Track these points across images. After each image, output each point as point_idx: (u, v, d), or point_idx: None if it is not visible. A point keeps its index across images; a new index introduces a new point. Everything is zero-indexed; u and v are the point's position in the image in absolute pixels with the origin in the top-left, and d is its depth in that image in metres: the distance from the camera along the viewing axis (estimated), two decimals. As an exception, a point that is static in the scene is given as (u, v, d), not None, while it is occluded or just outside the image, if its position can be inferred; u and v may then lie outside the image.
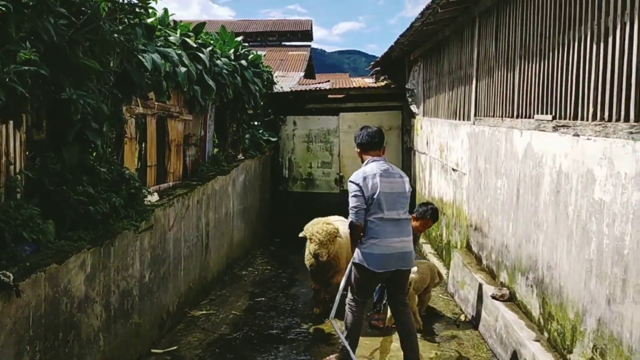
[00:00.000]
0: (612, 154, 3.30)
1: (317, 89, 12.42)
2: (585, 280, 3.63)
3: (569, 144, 3.90)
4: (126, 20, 4.83)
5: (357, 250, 4.58)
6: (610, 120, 3.42)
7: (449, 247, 7.71)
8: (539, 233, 4.47)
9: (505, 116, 5.45)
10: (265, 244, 10.61)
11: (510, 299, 5.09)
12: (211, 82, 6.58)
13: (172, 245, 5.62)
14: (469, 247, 6.72)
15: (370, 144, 4.71)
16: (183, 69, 5.98)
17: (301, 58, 21.03)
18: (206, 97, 6.65)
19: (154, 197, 5.44)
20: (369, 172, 4.52)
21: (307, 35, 25.11)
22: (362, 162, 4.75)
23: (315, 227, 5.83)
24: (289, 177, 12.30)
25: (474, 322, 5.66)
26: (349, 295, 4.77)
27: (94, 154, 4.54)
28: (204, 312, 6.23)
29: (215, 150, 8.61)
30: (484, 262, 6.04)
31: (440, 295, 6.83)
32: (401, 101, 11.71)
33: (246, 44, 21.27)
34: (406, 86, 11.46)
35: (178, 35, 6.39)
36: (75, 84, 4.08)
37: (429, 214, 5.79)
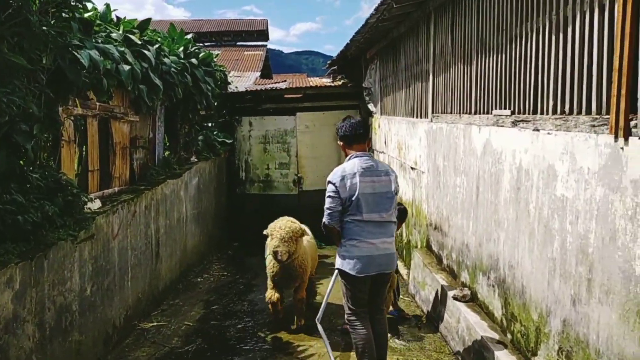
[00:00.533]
0: (574, 149, 3.17)
1: (273, 88, 12.16)
2: (548, 279, 3.51)
3: (529, 139, 3.78)
4: (60, 14, 4.48)
5: (337, 255, 4.29)
6: (571, 113, 3.30)
7: (409, 247, 7.58)
8: (499, 231, 4.34)
9: (463, 112, 5.33)
10: (222, 248, 10.29)
11: (472, 300, 4.96)
12: (158, 81, 6.24)
13: (117, 255, 5.27)
14: (429, 246, 6.59)
15: (354, 137, 4.30)
16: (126, 67, 5.62)
17: (257, 58, 20.71)
18: (153, 97, 6.30)
19: (96, 204, 5.08)
20: (348, 170, 4.14)
21: (263, 34, 24.82)
22: (346, 156, 4.36)
23: (279, 223, 5.47)
24: (245, 179, 11.99)
25: (436, 324, 5.52)
26: (345, 310, 4.35)
27: (25, 159, 4.16)
28: (155, 323, 5.88)
29: (167, 152, 8.25)
30: (445, 261, 5.91)
31: (401, 296, 6.68)
32: (358, 100, 11.57)
33: (200, 44, 20.77)
34: (363, 84, 11.33)
35: (121, 31, 6.02)
36: (0, 82, 3.71)
37: (400, 216, 5.59)
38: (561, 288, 3.33)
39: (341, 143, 4.42)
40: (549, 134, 3.49)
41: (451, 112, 5.72)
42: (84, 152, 5.65)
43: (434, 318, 5.60)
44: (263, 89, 12.11)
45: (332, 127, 11.78)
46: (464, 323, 4.68)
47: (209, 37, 24.18)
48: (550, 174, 3.46)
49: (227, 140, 10.56)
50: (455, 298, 5.01)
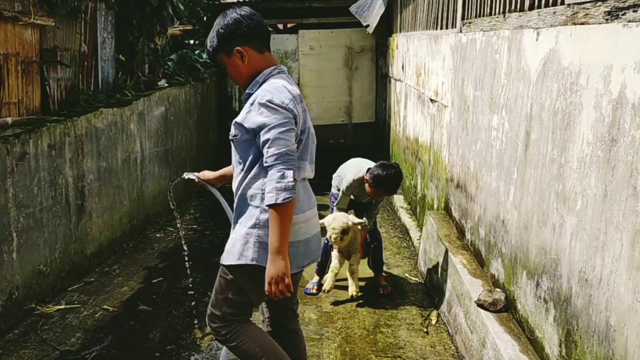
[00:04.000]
0: None
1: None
2: (677, 336, 1.69)
3: (648, 41, 1.85)
4: None
5: (242, 241, 2.44)
6: None
7: (424, 204, 5.79)
8: (565, 213, 2.49)
9: (510, 10, 3.35)
10: (207, 192, 8.63)
11: (507, 309, 3.19)
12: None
13: (-15, 217, 3.62)
14: (447, 209, 4.77)
15: (266, 36, 2.52)
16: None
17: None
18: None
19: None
20: (292, 91, 2.44)
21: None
22: (246, 73, 2.51)
23: None
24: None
25: (450, 331, 3.79)
26: (217, 322, 2.57)
27: None
28: (64, 306, 4.30)
29: (120, 75, 6.47)
30: (468, 236, 4.11)
31: (407, 274, 4.96)
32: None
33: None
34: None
35: None
36: None
37: (384, 183, 3.93)
38: None
39: (240, 50, 2.45)
40: None
41: (490, 14, 3.73)
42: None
43: (448, 321, 3.86)
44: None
45: (342, 49, 9.78)
46: (492, 352, 2.92)
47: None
48: None
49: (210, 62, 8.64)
50: (480, 304, 3.23)
